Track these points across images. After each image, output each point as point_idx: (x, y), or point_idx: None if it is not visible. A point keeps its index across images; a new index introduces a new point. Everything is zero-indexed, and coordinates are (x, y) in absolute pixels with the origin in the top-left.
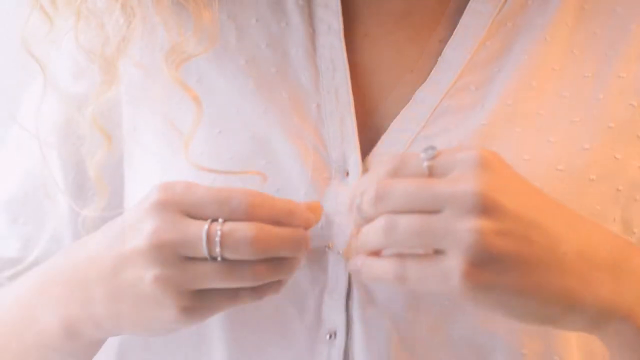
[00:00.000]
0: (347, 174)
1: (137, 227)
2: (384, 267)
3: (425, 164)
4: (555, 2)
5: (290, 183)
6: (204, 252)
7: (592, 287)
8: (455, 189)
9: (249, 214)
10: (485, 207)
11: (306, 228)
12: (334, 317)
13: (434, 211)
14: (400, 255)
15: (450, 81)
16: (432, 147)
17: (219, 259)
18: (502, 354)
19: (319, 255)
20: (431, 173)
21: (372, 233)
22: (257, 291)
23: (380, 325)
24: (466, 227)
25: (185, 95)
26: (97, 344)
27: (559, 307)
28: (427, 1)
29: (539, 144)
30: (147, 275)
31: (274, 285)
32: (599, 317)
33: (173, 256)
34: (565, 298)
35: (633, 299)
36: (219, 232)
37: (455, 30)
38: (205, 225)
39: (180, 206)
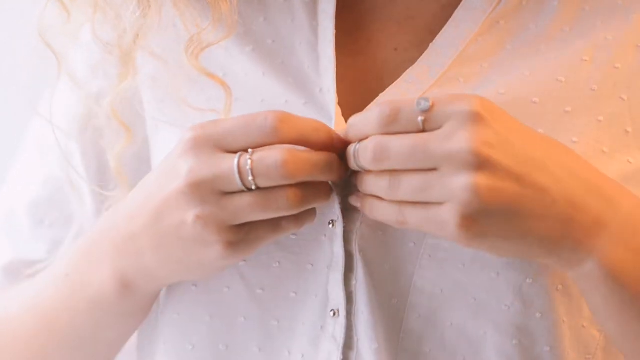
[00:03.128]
0: None
1: (173, 171)
2: (385, 210)
3: (420, 118)
4: (550, 8)
5: None
6: (237, 183)
7: (574, 232)
8: (450, 147)
9: (277, 130)
10: (478, 164)
11: (333, 147)
12: (337, 294)
13: (431, 168)
14: (400, 203)
15: (440, 71)
16: (426, 99)
17: (253, 188)
18: (492, 342)
19: (330, 234)
20: (425, 127)
21: (374, 186)
22: (297, 219)
23: (384, 306)
24: (461, 184)
25: (207, 84)
26: (150, 299)
27: (541, 249)
28: (430, 6)
29: None
30: (188, 215)
31: (312, 212)
32: (575, 259)
33: (210, 193)
34: (548, 242)
35: (609, 245)
36: (249, 162)
37: (449, 21)
38: (235, 158)
39: (210, 141)
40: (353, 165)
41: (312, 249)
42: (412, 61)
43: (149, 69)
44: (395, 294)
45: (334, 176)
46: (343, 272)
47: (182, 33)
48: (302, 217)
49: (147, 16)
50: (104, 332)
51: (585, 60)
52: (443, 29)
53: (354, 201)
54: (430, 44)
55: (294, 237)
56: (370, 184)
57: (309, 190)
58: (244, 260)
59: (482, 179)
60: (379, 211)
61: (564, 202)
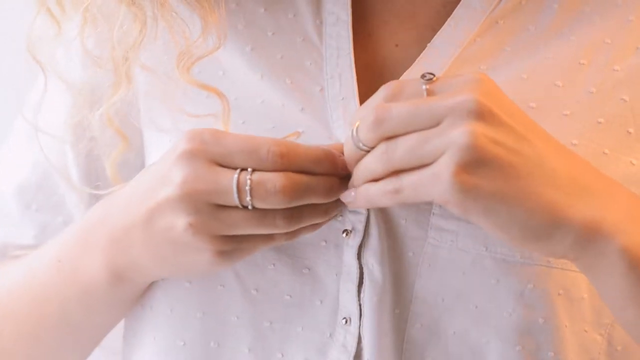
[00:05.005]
0: None
1: (167, 177)
2: (380, 186)
3: (425, 87)
4: (550, 10)
5: None
6: (234, 201)
7: (579, 204)
8: (454, 100)
9: (276, 164)
10: (481, 113)
11: (337, 173)
12: (349, 303)
13: (433, 126)
14: (396, 172)
15: (438, 74)
16: (431, 73)
17: (249, 207)
18: (495, 349)
19: (336, 242)
20: (430, 95)
21: (372, 161)
22: (291, 233)
23: (388, 317)
24: (461, 130)
25: (203, 93)
26: (142, 289)
27: (544, 218)
28: (432, 2)
29: None
30: (179, 222)
31: (309, 227)
32: (584, 234)
33: (204, 204)
34: (551, 210)
35: (620, 217)
36: (248, 182)
37: (448, 20)
38: (235, 175)
39: (208, 155)
40: (351, 146)
41: (308, 253)
42: (413, 58)
43: (142, 79)
44: (398, 305)
45: (333, 199)
46: (357, 283)
47: (173, 44)
48: (296, 232)
49: (137, 29)
50: (93, 318)
51: (583, 64)
52: (441, 29)
53: (345, 197)
54: (428, 44)
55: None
56: (366, 162)
57: (306, 210)
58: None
59: (483, 128)
60: (374, 191)
61: (565, 175)
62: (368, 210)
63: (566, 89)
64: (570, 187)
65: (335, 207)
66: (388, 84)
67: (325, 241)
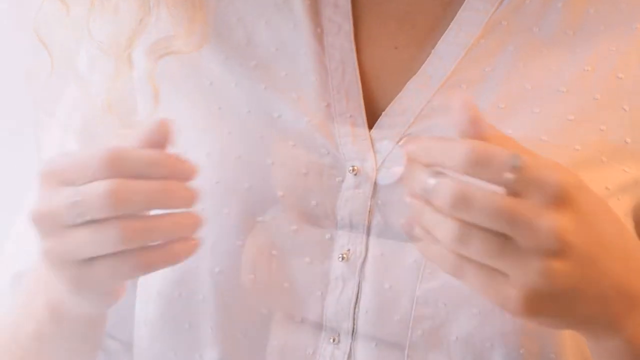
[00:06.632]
0: (355, 171)
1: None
2: (444, 258)
3: (510, 176)
4: (554, 9)
5: (304, 183)
6: (69, 216)
7: (610, 310)
8: (537, 225)
9: (109, 170)
10: (559, 250)
11: (182, 178)
12: (339, 321)
13: (508, 235)
14: (461, 256)
15: (442, 78)
16: (518, 157)
17: (80, 220)
18: (499, 353)
19: (322, 259)
20: (513, 187)
21: (440, 230)
22: (144, 260)
23: (385, 325)
24: (538, 267)
25: (194, 88)
26: (83, 326)
27: (578, 325)
28: (430, 3)
29: (530, 143)
30: (39, 247)
31: (164, 257)
32: (604, 334)
33: (51, 227)
34: (586, 319)
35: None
36: (78, 194)
37: (451, 24)
38: (65, 191)
39: (55, 176)
40: (414, 190)
41: (291, 270)
42: (412, 60)
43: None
44: (398, 311)
45: (179, 205)
46: (354, 300)
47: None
48: (149, 259)
49: (144, 16)
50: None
51: (588, 70)
52: (445, 34)
53: (407, 228)
54: (432, 50)
55: (274, 253)
56: (434, 224)
57: (157, 222)
58: (220, 270)
59: (559, 265)
60: (435, 256)
61: (613, 288)
62: (368, 229)
63: (570, 93)
64: (612, 298)
65: (196, 223)
66: (475, 143)
67: (310, 258)
